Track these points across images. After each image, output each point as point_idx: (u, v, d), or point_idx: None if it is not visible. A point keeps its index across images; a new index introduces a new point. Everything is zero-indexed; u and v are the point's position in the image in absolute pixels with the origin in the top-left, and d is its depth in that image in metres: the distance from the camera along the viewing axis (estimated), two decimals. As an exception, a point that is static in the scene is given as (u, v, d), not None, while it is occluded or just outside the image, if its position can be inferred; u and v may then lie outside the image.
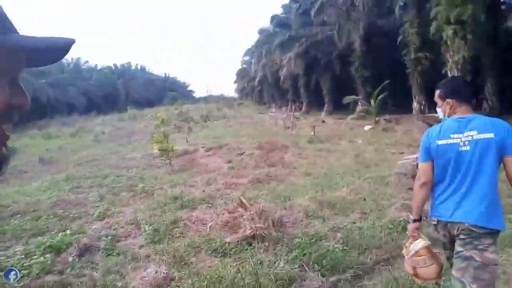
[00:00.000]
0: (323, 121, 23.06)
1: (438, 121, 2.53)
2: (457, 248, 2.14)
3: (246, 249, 4.04)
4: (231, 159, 10.10)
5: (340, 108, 24.78)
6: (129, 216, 5.41)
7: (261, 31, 37.50)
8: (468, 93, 2.28)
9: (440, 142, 2.20)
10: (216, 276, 3.40)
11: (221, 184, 7.41)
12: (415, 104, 18.02)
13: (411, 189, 5.63)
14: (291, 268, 3.58)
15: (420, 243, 2.33)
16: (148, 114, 36.59)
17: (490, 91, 16.33)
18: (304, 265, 3.64)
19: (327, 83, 27.65)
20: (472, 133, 2.11)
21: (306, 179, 7.59)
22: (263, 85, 43.70)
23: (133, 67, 65.91)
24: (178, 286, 3.29)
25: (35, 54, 0.55)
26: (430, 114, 14.76)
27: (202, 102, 55.08)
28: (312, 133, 14.35)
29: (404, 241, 2.63)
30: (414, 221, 2.41)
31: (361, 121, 18.37)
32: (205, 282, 3.34)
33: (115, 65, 60.20)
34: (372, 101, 17.64)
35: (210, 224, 4.55)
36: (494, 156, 2.07)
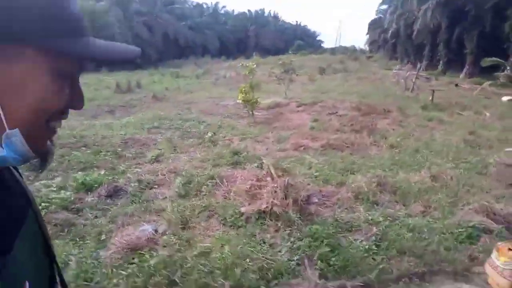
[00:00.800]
0: (457, 85, 19.63)
1: None
2: None
3: (257, 225, 3.61)
4: (319, 118, 9.35)
5: (484, 71, 20.58)
6: (176, 163, 5.42)
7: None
8: None
9: None
10: (205, 249, 3.12)
11: (290, 144, 6.90)
12: None
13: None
14: (288, 260, 3.05)
15: None
16: (271, 62, 37.30)
17: None
18: (306, 259, 3.05)
19: (472, 40, 23.06)
20: None
21: (388, 152, 6.50)
22: (397, 39, 39.10)
23: (266, 14, 66.20)
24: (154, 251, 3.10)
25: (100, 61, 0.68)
26: None
27: (328, 52, 52.76)
28: (430, 98, 12.28)
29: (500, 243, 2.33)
30: None
31: (503, 90, 14.91)
32: (195, 253, 3.09)
33: (249, 11, 61.38)
34: None
35: (234, 189, 4.20)
36: None
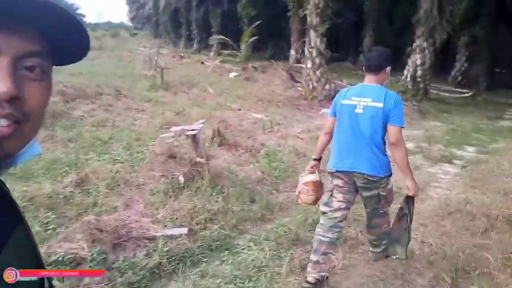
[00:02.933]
0: (202, 63, 20.35)
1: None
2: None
3: None
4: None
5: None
6: None
7: None
8: (375, 64, 2.59)
9: (343, 101, 2.59)
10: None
11: None
12: (292, 52, 16.30)
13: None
14: None
15: (311, 177, 2.82)
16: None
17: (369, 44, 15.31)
18: None
19: (216, 19, 24.55)
20: (367, 99, 2.51)
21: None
22: (158, 16, 38.65)
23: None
24: None
25: None
26: (298, 65, 13.07)
27: (89, 28, 47.50)
28: (161, 77, 11.65)
29: (302, 173, 2.98)
30: (314, 159, 2.88)
31: (235, 66, 16.13)
32: None
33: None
34: (241, 45, 15.21)
35: None
36: (379, 122, 2.48)
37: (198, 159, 3.77)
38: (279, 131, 6.91)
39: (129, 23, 53.58)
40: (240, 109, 8.83)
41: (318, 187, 2.83)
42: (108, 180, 3.79)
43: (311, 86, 10.23)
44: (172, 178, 3.74)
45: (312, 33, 9.95)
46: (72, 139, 5.31)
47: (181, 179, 3.66)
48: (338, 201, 2.64)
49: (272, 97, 10.75)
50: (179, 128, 4.04)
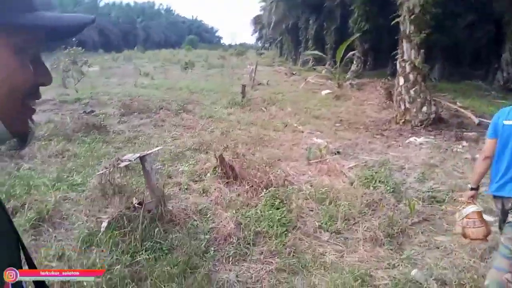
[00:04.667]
0: (307, 80, 19.41)
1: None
2: (509, 218, 2.36)
3: None
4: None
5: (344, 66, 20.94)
6: None
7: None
8: None
9: (506, 122, 2.42)
10: None
11: None
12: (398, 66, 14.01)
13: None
14: None
15: (472, 208, 2.60)
16: (146, 57, 34.76)
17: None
18: None
19: (331, 35, 23.33)
20: None
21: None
22: (282, 35, 39.34)
23: (156, 7, 62.79)
24: None
25: (53, 32, 0.56)
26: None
27: (222, 49, 51.61)
28: (242, 94, 11.17)
29: (459, 206, 2.81)
30: (472, 189, 2.68)
31: (333, 82, 14.71)
32: None
33: (135, 2, 57.47)
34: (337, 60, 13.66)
35: None
36: None
37: (135, 201, 2.87)
38: (326, 163, 5.50)
39: (259, 44, 56.31)
40: (302, 131, 7.61)
41: (483, 218, 2.66)
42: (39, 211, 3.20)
43: (402, 108, 8.29)
44: (97, 220, 2.93)
45: (405, 44, 8.08)
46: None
47: (104, 224, 2.82)
48: None
49: (357, 119, 9.16)
50: (130, 156, 3.21)
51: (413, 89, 8.07)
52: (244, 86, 11.28)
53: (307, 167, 5.37)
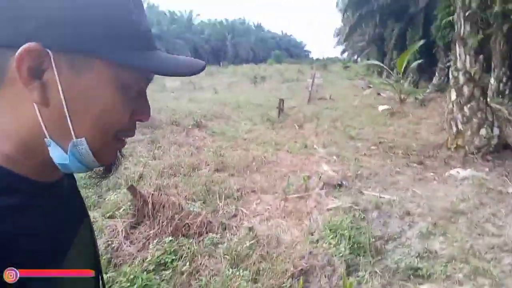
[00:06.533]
0: (379, 94, 17.48)
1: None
2: None
3: None
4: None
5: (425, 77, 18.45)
6: None
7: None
8: None
9: None
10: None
11: None
12: (492, 80, 11.50)
13: None
14: None
15: None
16: (228, 72, 35.73)
17: None
18: None
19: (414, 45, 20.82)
20: None
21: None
22: (369, 46, 37.00)
23: (247, 23, 64.62)
24: None
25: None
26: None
27: (307, 63, 50.78)
28: (278, 109, 10.22)
29: None
30: None
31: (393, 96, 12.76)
32: None
33: (226, 20, 59.87)
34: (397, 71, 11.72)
35: None
36: None
37: None
38: (305, 200, 4.31)
39: (344, 56, 54.11)
40: (315, 155, 6.38)
41: None
42: None
43: (454, 130, 6.48)
44: None
45: (458, 49, 6.30)
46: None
47: None
48: None
49: (402, 141, 7.52)
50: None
51: (468, 105, 6.24)
52: (282, 101, 10.32)
53: (279, 203, 4.27)
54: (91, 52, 0.48)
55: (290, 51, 70.10)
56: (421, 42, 12.05)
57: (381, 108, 11.03)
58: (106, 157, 0.55)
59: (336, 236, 3.22)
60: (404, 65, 10.95)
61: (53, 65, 0.47)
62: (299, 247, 3.12)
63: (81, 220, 0.64)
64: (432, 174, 5.69)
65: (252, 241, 3.12)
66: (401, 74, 11.49)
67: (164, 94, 15.56)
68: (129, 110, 0.53)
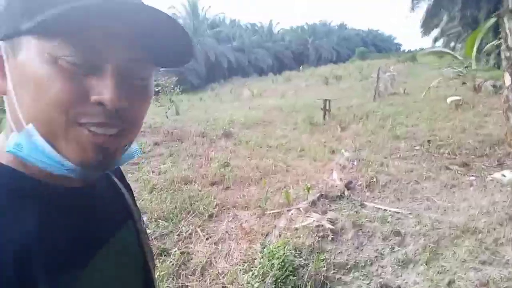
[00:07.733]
0: (464, 83, 15.18)
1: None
2: None
3: None
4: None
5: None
6: None
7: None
8: None
9: None
10: None
11: None
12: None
13: None
14: None
15: None
16: (306, 74, 35.05)
17: None
18: None
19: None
20: None
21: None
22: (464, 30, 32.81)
23: (328, 25, 62.72)
24: None
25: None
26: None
27: (396, 57, 47.14)
28: (323, 110, 9.50)
29: None
30: None
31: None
32: None
33: (307, 24, 58.93)
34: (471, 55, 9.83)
35: None
36: None
37: None
38: (284, 218, 3.81)
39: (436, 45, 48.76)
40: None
41: None
42: None
43: (511, 121, 5.17)
44: None
45: (507, 23, 5.03)
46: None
47: None
48: None
49: (458, 138, 6.33)
50: None
51: (527, 90, 4.93)
52: (326, 101, 9.59)
53: (254, 220, 3.84)
54: (18, 33, 0.46)
55: (378, 46, 66.05)
56: (493, 20, 10.06)
57: (450, 99, 9.49)
58: (73, 150, 0.48)
59: (272, 265, 2.71)
60: (476, 46, 9.27)
61: (2, 52, 0.49)
62: (223, 279, 2.70)
63: (121, 222, 0.63)
64: (472, 178, 4.60)
65: (177, 268, 2.81)
66: (473, 58, 9.74)
67: (228, 105, 15.77)
68: (74, 88, 0.46)
